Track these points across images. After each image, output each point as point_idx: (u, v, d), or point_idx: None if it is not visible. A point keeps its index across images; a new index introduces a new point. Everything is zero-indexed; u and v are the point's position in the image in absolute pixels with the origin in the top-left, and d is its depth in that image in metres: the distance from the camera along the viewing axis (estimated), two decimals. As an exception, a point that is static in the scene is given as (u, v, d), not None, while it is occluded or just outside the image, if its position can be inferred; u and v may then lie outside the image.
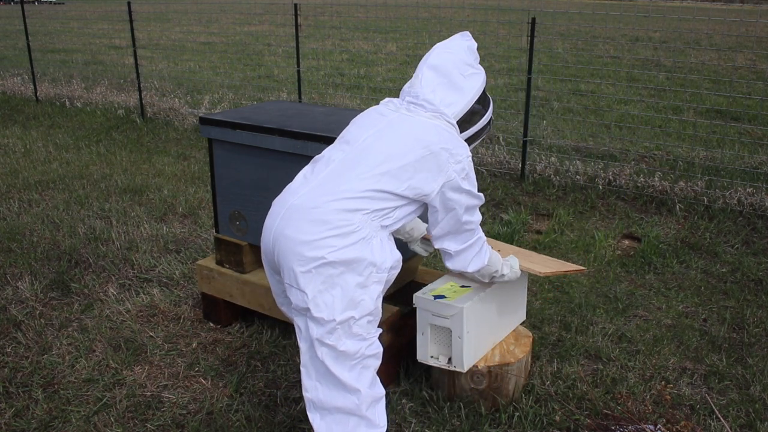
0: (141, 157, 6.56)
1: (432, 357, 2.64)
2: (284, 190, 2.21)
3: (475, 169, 6.95)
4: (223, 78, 10.73)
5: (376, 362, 2.12)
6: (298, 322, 2.12)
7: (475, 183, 2.23)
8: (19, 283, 3.81)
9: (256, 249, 3.15)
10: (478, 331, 2.58)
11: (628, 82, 10.28)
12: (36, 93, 9.82)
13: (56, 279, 3.87)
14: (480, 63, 2.30)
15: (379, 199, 2.08)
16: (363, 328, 2.06)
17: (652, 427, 2.57)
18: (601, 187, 5.53)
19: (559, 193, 5.51)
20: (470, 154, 2.22)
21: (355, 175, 2.09)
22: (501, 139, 6.90)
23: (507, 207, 5.20)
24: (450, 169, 2.13)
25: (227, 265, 3.26)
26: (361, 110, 2.40)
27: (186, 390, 2.88)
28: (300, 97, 7.52)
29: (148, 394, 2.85)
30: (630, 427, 2.58)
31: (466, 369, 2.56)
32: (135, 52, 8.55)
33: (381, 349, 2.12)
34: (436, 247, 2.34)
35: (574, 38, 15.01)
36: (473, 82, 2.24)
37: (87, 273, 3.96)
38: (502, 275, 2.54)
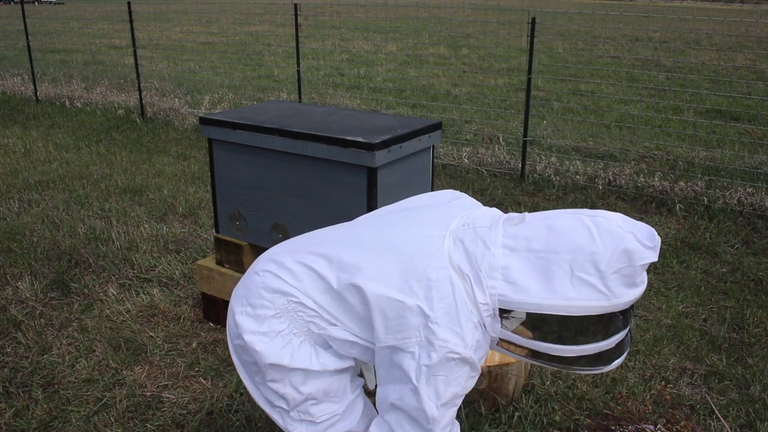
0: (141, 157, 6.56)
1: (432, 357, 2.64)
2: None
3: (474, 169, 6.76)
4: (223, 78, 10.73)
5: None
6: None
7: (444, 400, 1.47)
8: (19, 283, 3.81)
9: (255, 249, 3.15)
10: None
11: (628, 82, 10.28)
12: (36, 93, 9.82)
13: (56, 279, 3.87)
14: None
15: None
16: (306, 414, 1.67)
17: (652, 427, 2.58)
18: (601, 187, 5.53)
19: (559, 193, 5.51)
20: (472, 358, 1.46)
21: (314, 244, 1.69)
22: (501, 139, 6.90)
23: (507, 207, 5.20)
24: (412, 343, 1.48)
25: (227, 265, 3.27)
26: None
27: (186, 390, 2.88)
28: (300, 97, 7.52)
29: (148, 394, 2.85)
30: (630, 427, 2.58)
31: (466, 369, 2.56)
32: (135, 52, 8.56)
33: (352, 427, 1.71)
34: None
35: (574, 38, 14.99)
36: (578, 291, 1.39)
37: (87, 273, 3.96)
38: None
